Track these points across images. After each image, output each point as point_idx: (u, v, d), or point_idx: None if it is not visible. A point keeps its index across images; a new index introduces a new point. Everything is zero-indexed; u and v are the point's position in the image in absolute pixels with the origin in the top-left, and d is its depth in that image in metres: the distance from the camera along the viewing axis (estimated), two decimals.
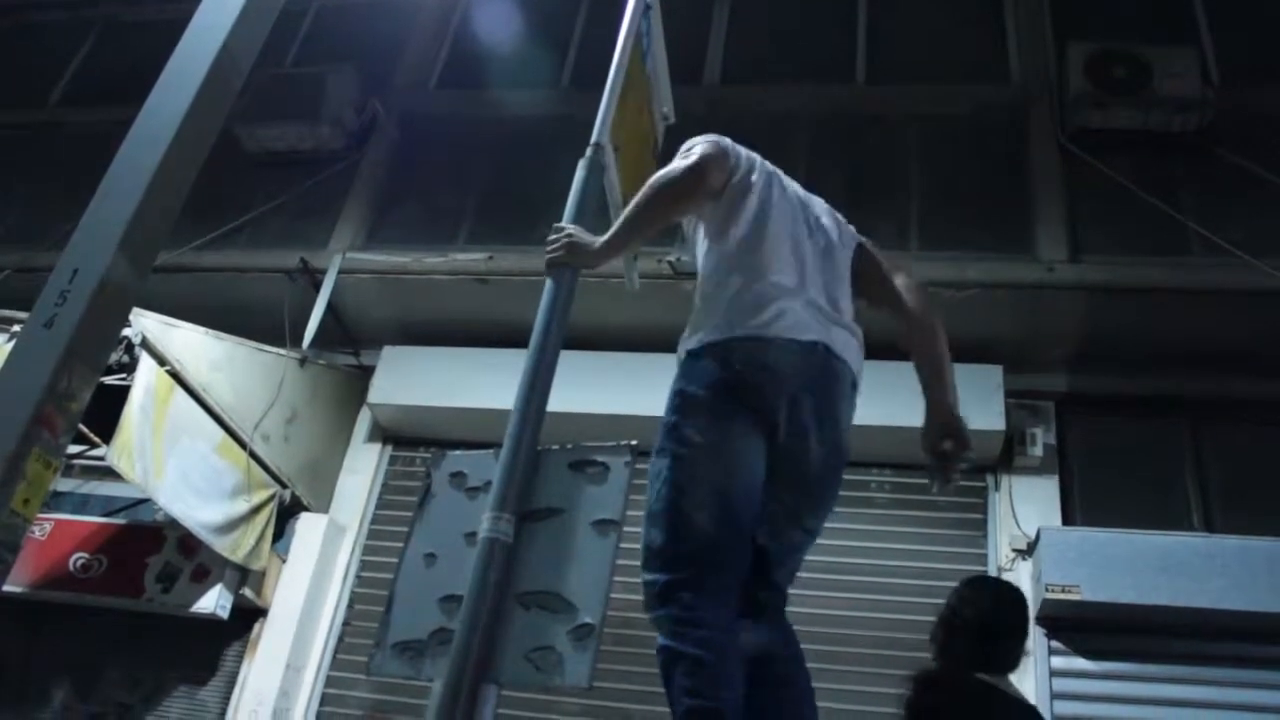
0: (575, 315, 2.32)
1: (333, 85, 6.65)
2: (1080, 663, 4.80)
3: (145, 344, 4.74)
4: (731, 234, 2.31)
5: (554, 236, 2.35)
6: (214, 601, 5.26)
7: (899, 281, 2.52)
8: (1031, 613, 4.71)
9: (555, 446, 2.16)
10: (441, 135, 6.75)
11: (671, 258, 5.26)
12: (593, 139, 2.53)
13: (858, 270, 2.47)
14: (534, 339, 2.24)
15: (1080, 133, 5.76)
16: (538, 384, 2.19)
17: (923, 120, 6.21)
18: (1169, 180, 5.61)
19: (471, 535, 2.06)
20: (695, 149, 2.33)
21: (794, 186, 2.51)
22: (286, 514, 5.67)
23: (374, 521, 5.94)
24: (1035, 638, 4.79)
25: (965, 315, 4.95)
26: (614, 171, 2.60)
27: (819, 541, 2.31)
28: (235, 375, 5.30)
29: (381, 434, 6.15)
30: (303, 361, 5.77)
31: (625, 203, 2.44)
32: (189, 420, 5.05)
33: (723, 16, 7.13)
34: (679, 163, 2.32)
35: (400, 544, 2.26)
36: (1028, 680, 4.59)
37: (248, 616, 5.52)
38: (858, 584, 5.09)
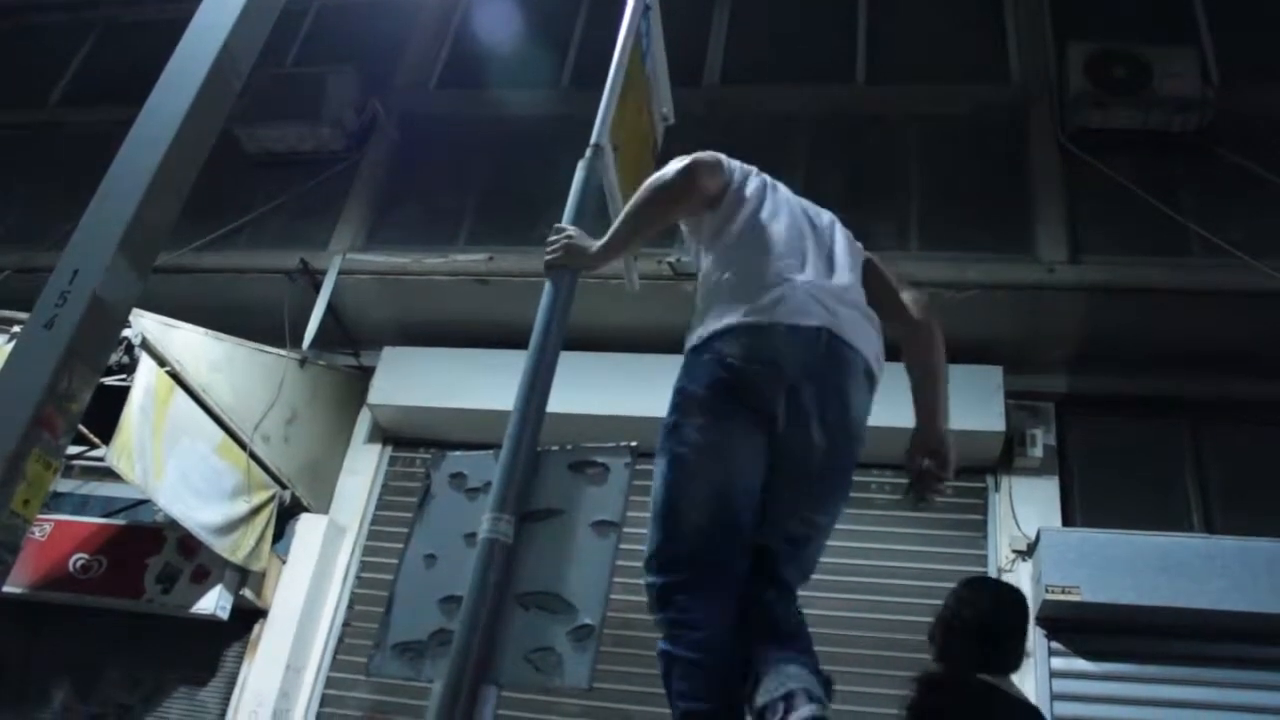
0: (575, 316, 2.33)
1: (333, 85, 6.65)
2: (1080, 663, 4.79)
3: (145, 344, 4.74)
4: (730, 231, 2.32)
5: (553, 238, 2.35)
6: (214, 602, 5.26)
7: (906, 297, 2.50)
8: (1031, 613, 4.73)
9: (555, 447, 2.16)
10: (441, 135, 6.75)
11: (672, 258, 5.26)
12: (592, 139, 2.53)
13: (865, 283, 2.43)
14: (534, 340, 2.24)
15: (1080, 133, 5.76)
16: (537, 384, 2.19)
17: (923, 120, 6.21)
18: (1169, 180, 5.61)
19: (471, 536, 2.06)
20: (688, 156, 2.35)
21: (795, 196, 2.51)
22: (286, 515, 5.67)
23: (374, 522, 5.93)
24: (1035, 638, 4.79)
25: (965, 316, 4.95)
26: (613, 172, 2.60)
27: None
28: (235, 376, 5.30)
29: (381, 435, 6.15)
30: (303, 362, 5.77)
31: (626, 202, 2.45)
32: (189, 421, 5.05)
33: (723, 17, 7.13)
34: (671, 165, 2.33)
35: (400, 545, 2.26)
36: (1028, 681, 4.58)
37: (248, 617, 5.52)
38: (858, 584, 5.08)
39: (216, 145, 3.39)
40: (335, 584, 5.68)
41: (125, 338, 4.57)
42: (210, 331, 5.21)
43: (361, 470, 6.06)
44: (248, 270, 6.09)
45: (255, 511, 5.38)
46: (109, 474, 5.15)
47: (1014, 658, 2.58)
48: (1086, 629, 4.79)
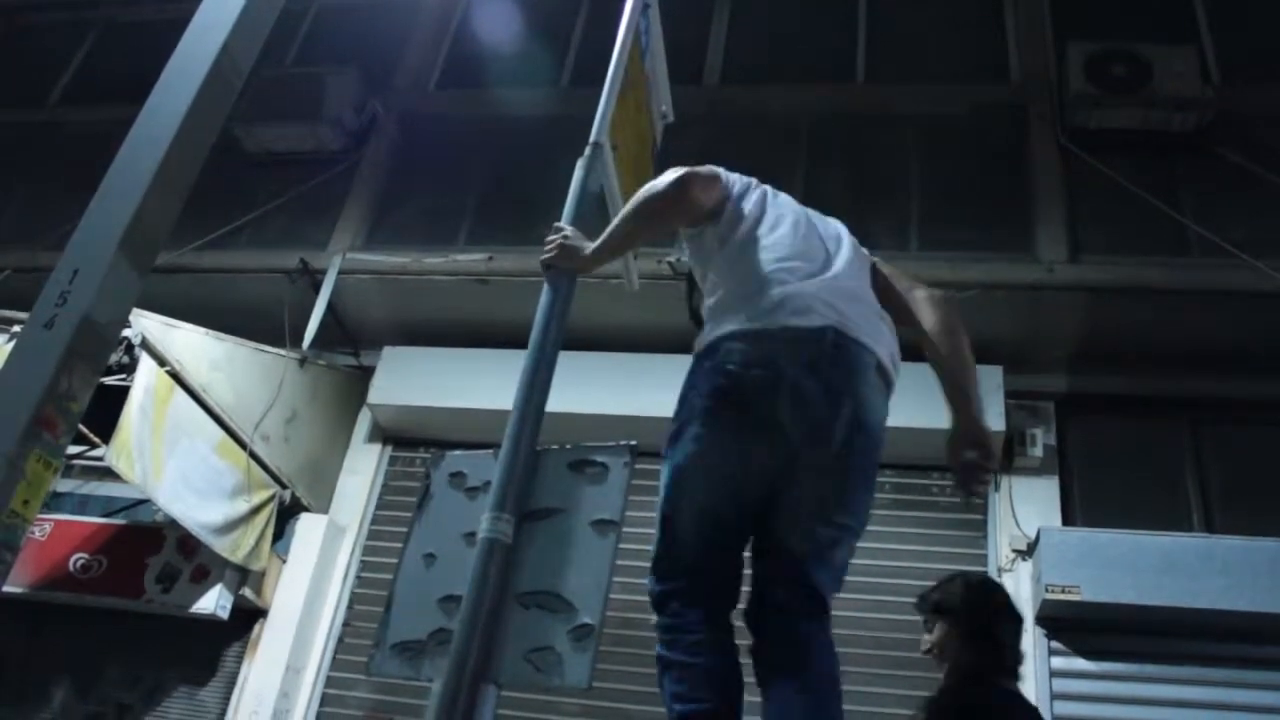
0: (574, 315, 2.33)
1: (333, 85, 6.66)
2: (1080, 663, 4.79)
3: (145, 344, 4.74)
4: (733, 241, 2.28)
5: (550, 237, 2.35)
6: (214, 602, 5.26)
7: (917, 294, 2.45)
8: (1031, 613, 4.75)
9: (554, 446, 2.16)
10: (441, 135, 6.75)
11: (672, 258, 5.26)
12: (591, 137, 2.53)
13: (875, 287, 2.39)
14: (533, 339, 2.24)
15: (1080, 132, 5.77)
16: (537, 384, 2.19)
17: (922, 120, 6.21)
18: (1169, 180, 5.61)
19: (471, 535, 2.05)
20: (683, 167, 2.32)
21: (791, 199, 2.48)
22: (286, 514, 5.67)
23: (374, 522, 5.93)
24: (1035, 638, 4.79)
25: (965, 316, 4.89)
26: (613, 170, 2.60)
27: None
28: (235, 375, 5.30)
29: (381, 434, 6.15)
30: (303, 362, 5.77)
31: (624, 201, 2.45)
32: (189, 420, 5.05)
33: (723, 16, 7.14)
34: (665, 175, 2.30)
35: (400, 544, 2.25)
36: (1028, 681, 4.58)
37: (248, 617, 5.52)
38: (858, 584, 5.06)
39: (216, 145, 3.39)
40: (335, 583, 5.68)
41: (125, 337, 4.57)
42: (210, 331, 5.21)
43: (361, 470, 6.06)
44: (248, 270, 6.10)
45: (255, 511, 5.38)
46: (109, 473, 5.15)
47: (1019, 653, 2.59)
48: (1086, 629, 4.79)
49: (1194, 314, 5.16)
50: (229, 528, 5.18)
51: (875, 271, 2.46)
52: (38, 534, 5.49)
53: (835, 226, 2.47)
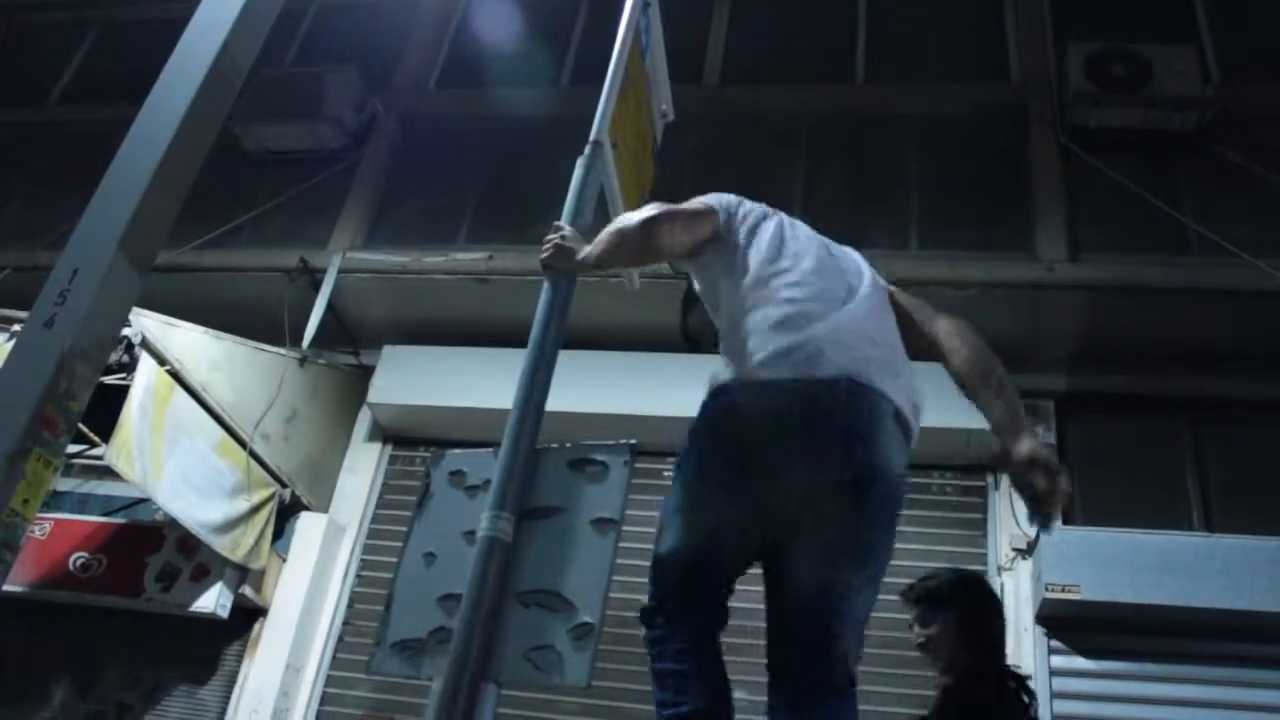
0: (574, 314, 2.33)
1: (333, 85, 6.65)
2: (1080, 662, 4.79)
3: (145, 344, 4.74)
4: (741, 275, 2.20)
5: (549, 236, 2.35)
6: (214, 601, 5.26)
7: (941, 326, 2.34)
8: (1031, 612, 4.76)
9: (554, 445, 2.17)
10: (441, 135, 6.75)
11: None
12: (592, 136, 2.53)
13: (897, 321, 2.30)
14: (533, 338, 2.25)
15: (1080, 131, 5.76)
16: (537, 383, 2.19)
17: (922, 119, 6.21)
18: (1169, 179, 5.61)
19: (471, 534, 2.06)
20: (657, 206, 2.26)
21: (809, 230, 2.40)
22: (286, 513, 5.67)
23: (374, 521, 5.93)
24: (1035, 637, 4.80)
25: (964, 315, 4.91)
26: (613, 168, 2.60)
27: None
28: (235, 375, 5.30)
29: (381, 433, 6.15)
30: (302, 361, 5.77)
31: (625, 200, 2.45)
32: (189, 420, 5.05)
33: (723, 16, 7.13)
34: (638, 213, 2.25)
35: (400, 543, 2.26)
36: (1032, 680, 4.58)
37: (248, 616, 5.52)
38: None
39: (216, 143, 3.40)
40: (335, 582, 5.68)
41: (125, 336, 4.57)
42: (210, 330, 5.21)
43: (361, 469, 6.06)
44: (247, 269, 6.09)
45: (255, 510, 5.38)
46: (109, 472, 5.14)
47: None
48: (1086, 627, 4.79)
49: (1194, 313, 5.16)
50: (229, 526, 5.18)
51: (894, 302, 2.37)
52: (37, 533, 5.49)
53: (854, 259, 2.38)
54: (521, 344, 2.26)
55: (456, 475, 2.27)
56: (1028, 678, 2.58)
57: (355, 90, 6.72)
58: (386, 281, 5.98)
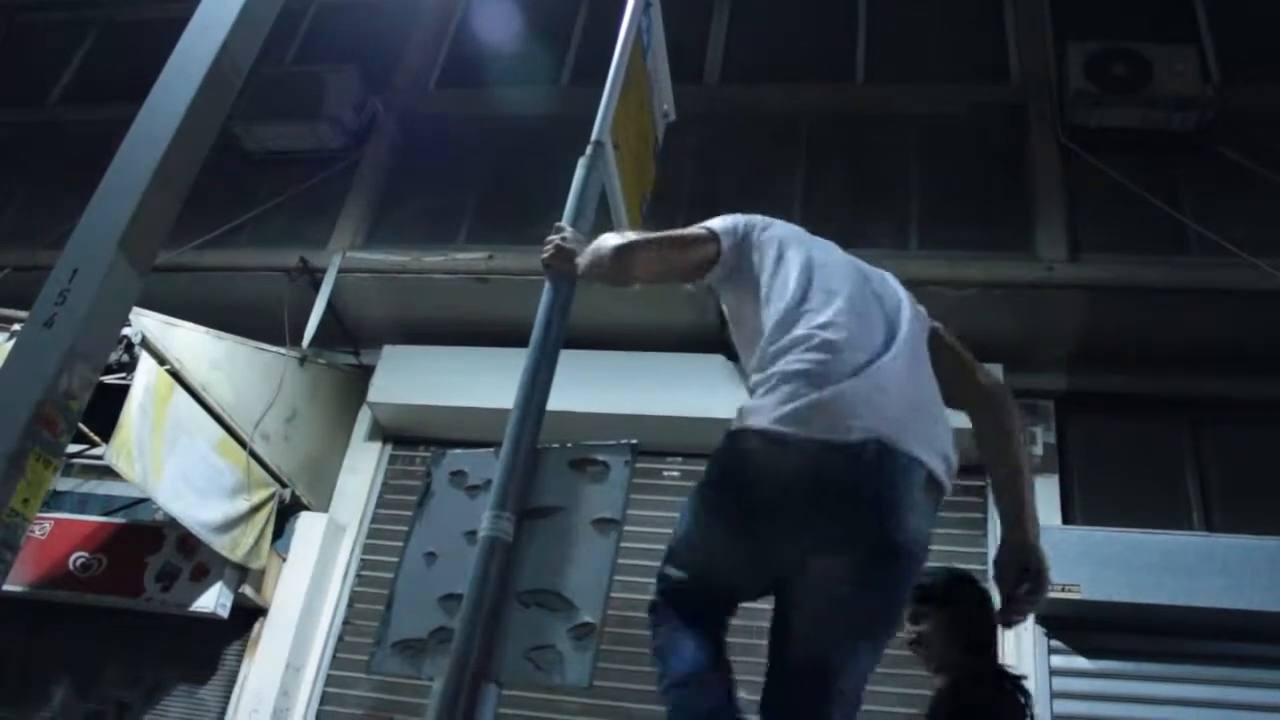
0: (575, 313, 2.33)
1: (332, 84, 6.65)
2: (1080, 662, 4.79)
3: (145, 343, 4.74)
4: (761, 310, 2.05)
5: (550, 237, 2.35)
6: (214, 600, 5.26)
7: (979, 382, 2.18)
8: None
9: (555, 445, 2.17)
10: (441, 135, 6.75)
11: None
12: (593, 136, 2.53)
13: (932, 359, 2.11)
14: (534, 337, 2.25)
15: (1080, 131, 5.76)
16: (538, 382, 2.19)
17: (922, 119, 6.21)
18: (1169, 179, 5.61)
19: (472, 534, 2.06)
20: (693, 228, 2.17)
21: (844, 254, 2.23)
22: (286, 513, 5.67)
23: (374, 520, 5.93)
24: (1035, 636, 4.79)
25: (964, 315, 4.93)
26: (614, 168, 2.60)
27: None
28: (235, 374, 5.30)
29: (381, 433, 6.15)
30: (302, 361, 5.76)
31: (627, 201, 2.45)
32: (189, 419, 5.05)
33: (723, 16, 7.13)
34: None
35: (400, 543, 2.26)
36: (1027, 680, 4.58)
37: (248, 615, 5.52)
38: None
39: (216, 143, 3.40)
40: (335, 582, 5.68)
41: (125, 336, 4.57)
42: (210, 330, 5.20)
43: (361, 468, 6.06)
44: (247, 268, 6.09)
45: (255, 509, 5.38)
46: (109, 472, 5.14)
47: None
48: (1086, 627, 4.79)
49: (1194, 313, 5.16)
50: (229, 526, 5.18)
51: (936, 339, 2.18)
52: (37, 532, 5.49)
53: (894, 290, 2.18)
54: (521, 344, 2.26)
55: (457, 475, 2.27)
56: (1023, 677, 2.57)
57: (355, 90, 6.72)
58: (386, 281, 5.97)
